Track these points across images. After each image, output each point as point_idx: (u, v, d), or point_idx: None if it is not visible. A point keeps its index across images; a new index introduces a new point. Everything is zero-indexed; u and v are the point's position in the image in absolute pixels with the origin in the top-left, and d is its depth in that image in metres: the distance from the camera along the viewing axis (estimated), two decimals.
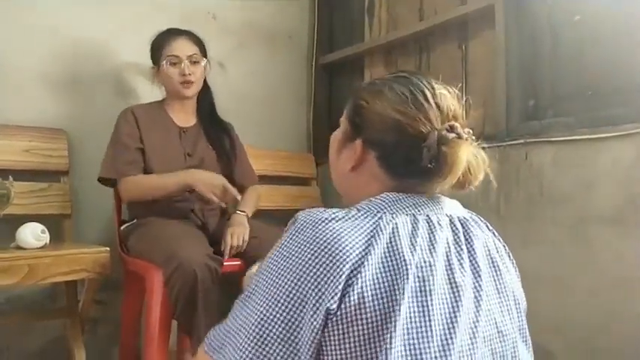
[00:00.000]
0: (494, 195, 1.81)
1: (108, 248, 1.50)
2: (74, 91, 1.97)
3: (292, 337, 0.63)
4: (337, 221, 0.68)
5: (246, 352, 0.64)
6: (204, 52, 1.81)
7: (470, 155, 0.73)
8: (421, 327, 0.64)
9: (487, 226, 0.82)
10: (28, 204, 1.73)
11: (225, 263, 1.54)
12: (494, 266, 0.76)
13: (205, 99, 1.88)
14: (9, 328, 1.79)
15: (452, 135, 0.72)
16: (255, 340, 0.64)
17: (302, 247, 0.66)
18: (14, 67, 1.84)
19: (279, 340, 0.63)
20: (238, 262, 1.62)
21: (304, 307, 0.63)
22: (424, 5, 2.24)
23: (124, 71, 2.09)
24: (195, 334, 1.44)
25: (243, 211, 1.78)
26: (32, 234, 1.44)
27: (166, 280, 1.41)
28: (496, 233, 0.83)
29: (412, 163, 0.72)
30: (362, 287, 0.63)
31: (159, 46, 1.77)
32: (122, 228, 1.76)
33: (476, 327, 0.68)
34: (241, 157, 1.94)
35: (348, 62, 2.60)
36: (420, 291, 0.65)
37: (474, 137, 0.75)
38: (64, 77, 1.95)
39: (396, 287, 0.64)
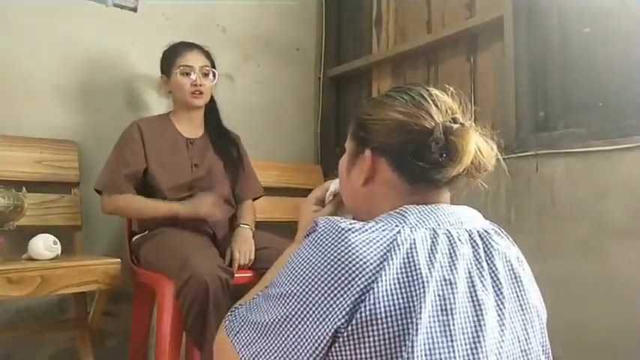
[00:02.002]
0: (504, 206, 1.80)
1: (119, 260, 1.50)
2: (85, 103, 1.99)
3: (296, 343, 0.64)
4: (355, 232, 0.67)
5: (253, 350, 0.69)
6: (214, 67, 1.83)
7: (479, 140, 0.74)
8: (443, 347, 0.62)
9: (508, 238, 0.81)
10: (39, 215, 1.73)
11: (236, 275, 1.54)
12: (516, 281, 0.75)
13: (212, 111, 1.89)
14: (19, 340, 1.79)
15: (456, 125, 0.73)
16: (263, 341, 0.68)
17: (318, 255, 0.67)
18: (26, 79, 1.86)
19: (284, 342, 0.66)
20: (249, 274, 1.62)
21: (311, 314, 0.64)
22: (432, 18, 2.25)
23: (134, 83, 2.10)
24: (206, 346, 1.43)
25: (247, 224, 1.78)
26: (44, 245, 1.44)
27: (178, 292, 1.41)
28: (516, 245, 0.82)
29: (423, 159, 0.73)
30: (374, 303, 0.62)
31: (171, 55, 1.78)
32: (133, 239, 1.76)
33: (501, 347, 0.67)
34: (248, 168, 1.95)
35: (356, 75, 2.62)
36: (441, 310, 0.64)
37: (478, 127, 0.77)
38: (76, 89, 1.97)
39: (412, 304, 0.63)
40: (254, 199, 1.96)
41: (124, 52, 2.08)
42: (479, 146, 0.74)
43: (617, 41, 1.65)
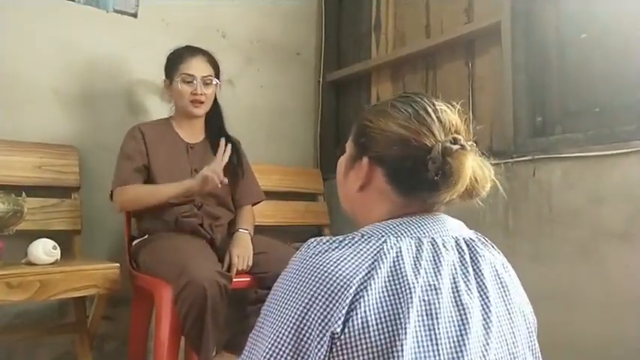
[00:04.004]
0: (502, 211, 1.81)
1: (118, 264, 1.51)
2: (85, 108, 2.00)
3: None
4: (339, 249, 0.68)
5: None
6: (217, 74, 1.83)
7: (475, 165, 0.74)
8: (429, 350, 0.64)
9: (493, 247, 0.82)
10: (39, 220, 1.74)
11: (234, 279, 1.54)
12: (503, 287, 0.76)
13: (214, 116, 1.89)
14: (18, 344, 1.80)
15: (456, 146, 0.72)
16: None
17: (304, 279, 0.67)
18: (26, 84, 1.87)
19: None
20: (247, 279, 1.63)
21: (309, 337, 0.63)
22: (431, 23, 2.26)
23: (135, 88, 2.12)
24: (203, 351, 1.44)
25: (246, 229, 1.79)
26: (44, 250, 1.44)
27: (176, 297, 1.42)
28: (501, 253, 0.83)
29: (418, 176, 0.73)
30: (365, 311, 0.63)
31: (175, 61, 1.78)
32: (132, 244, 1.76)
33: (487, 350, 0.68)
34: (248, 173, 1.94)
35: (356, 79, 2.63)
36: (426, 314, 0.65)
37: (477, 149, 0.76)
38: (76, 94, 1.98)
39: (400, 311, 0.64)
40: (254, 204, 1.96)
41: (125, 57, 2.09)
42: (474, 171, 0.73)
43: (613, 47, 1.66)
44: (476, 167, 0.74)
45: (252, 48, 2.49)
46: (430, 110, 0.77)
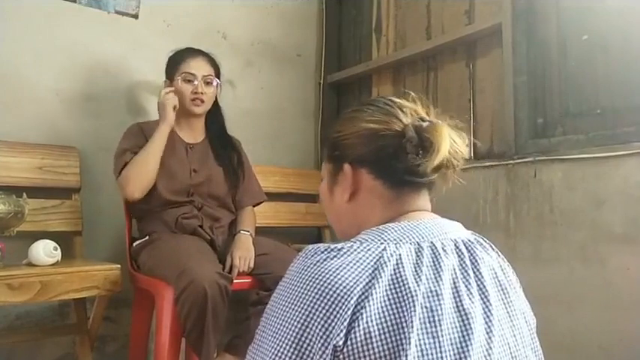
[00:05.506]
0: (503, 212, 1.81)
1: (119, 265, 1.51)
2: (86, 109, 2.00)
3: None
4: (338, 258, 0.67)
5: None
6: (218, 74, 1.84)
7: (452, 132, 0.76)
8: (432, 358, 0.63)
9: (492, 247, 0.82)
10: (40, 221, 1.74)
11: (235, 281, 1.54)
12: (502, 289, 0.75)
13: (215, 117, 1.90)
14: (19, 345, 1.80)
15: (426, 123, 0.76)
16: None
17: (303, 290, 0.65)
18: (28, 85, 1.87)
19: None
20: (249, 280, 1.63)
21: (312, 348, 0.62)
22: (432, 24, 2.26)
23: (135, 89, 2.12)
24: (204, 352, 1.44)
25: (248, 231, 1.78)
26: (44, 251, 1.44)
27: (177, 298, 1.42)
28: (500, 254, 0.83)
29: (401, 161, 0.75)
30: (367, 322, 0.62)
31: (176, 61, 1.79)
32: (133, 245, 1.76)
33: (489, 354, 0.67)
34: (249, 174, 1.94)
35: (356, 80, 2.63)
36: (429, 321, 0.64)
37: (446, 120, 0.79)
38: (77, 95, 1.98)
39: (403, 320, 0.63)
40: (255, 205, 1.96)
41: (126, 58, 2.09)
42: (452, 138, 0.76)
43: (615, 49, 1.66)
44: (452, 134, 0.76)
45: (253, 49, 2.49)
46: (390, 103, 0.80)
